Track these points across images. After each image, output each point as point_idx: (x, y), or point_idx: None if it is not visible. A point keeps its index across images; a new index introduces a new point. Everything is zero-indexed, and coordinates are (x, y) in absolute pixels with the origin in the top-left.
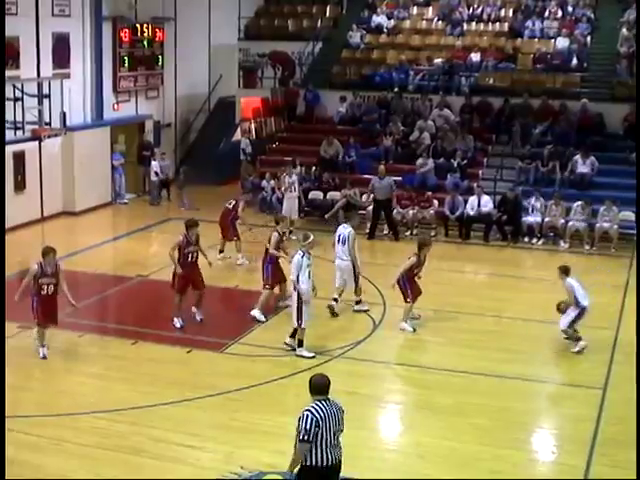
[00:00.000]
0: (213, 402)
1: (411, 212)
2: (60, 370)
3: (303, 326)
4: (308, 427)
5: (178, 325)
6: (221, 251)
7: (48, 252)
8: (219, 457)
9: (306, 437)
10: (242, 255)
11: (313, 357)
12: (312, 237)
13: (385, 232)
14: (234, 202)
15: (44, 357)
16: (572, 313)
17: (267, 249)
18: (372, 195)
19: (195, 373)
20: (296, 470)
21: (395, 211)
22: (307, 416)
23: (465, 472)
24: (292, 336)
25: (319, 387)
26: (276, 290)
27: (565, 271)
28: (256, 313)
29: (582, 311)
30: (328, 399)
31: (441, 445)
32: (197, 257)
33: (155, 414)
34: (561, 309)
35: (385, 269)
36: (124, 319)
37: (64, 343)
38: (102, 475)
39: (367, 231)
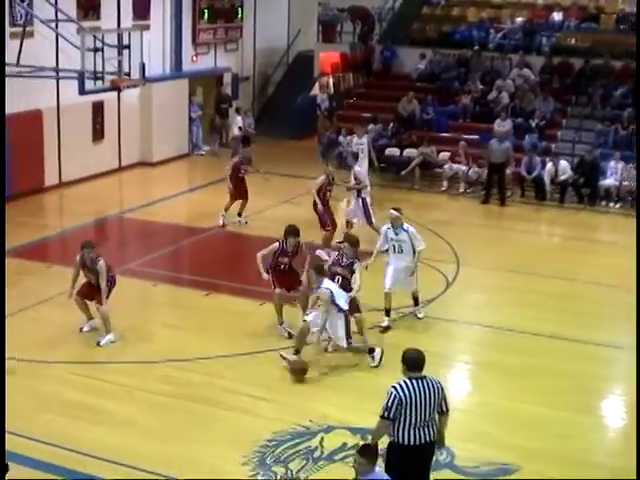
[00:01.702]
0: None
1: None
2: (133, 319)
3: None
4: (390, 404)
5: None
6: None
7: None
8: (288, 410)
9: (386, 414)
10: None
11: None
12: (395, 213)
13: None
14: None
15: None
16: None
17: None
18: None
19: (267, 326)
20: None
21: (448, 167)
22: (391, 393)
23: (531, 435)
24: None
25: (411, 363)
26: None
27: None
28: (321, 253)
29: None
30: (423, 377)
31: (508, 406)
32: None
33: (226, 365)
34: None
35: (452, 227)
36: (198, 270)
37: (138, 292)
38: (170, 423)
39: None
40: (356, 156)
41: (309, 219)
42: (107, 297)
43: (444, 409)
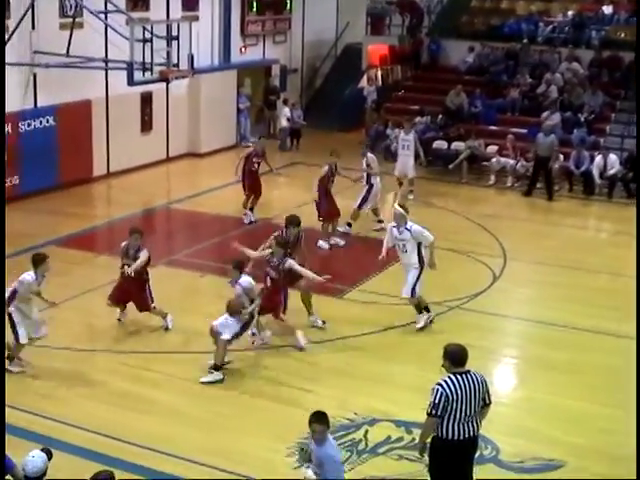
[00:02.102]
0: (330, 347)
1: None
2: (178, 309)
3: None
4: (437, 402)
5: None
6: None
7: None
8: (333, 402)
9: (434, 412)
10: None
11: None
12: (400, 211)
13: (491, 182)
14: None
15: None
16: None
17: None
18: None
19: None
20: (428, 440)
21: (495, 160)
22: (437, 390)
23: (575, 430)
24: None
25: (454, 358)
26: None
27: None
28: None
29: None
30: (467, 371)
31: (553, 401)
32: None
33: (272, 356)
34: None
35: (499, 221)
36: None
37: (184, 282)
38: (214, 413)
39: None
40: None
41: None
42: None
43: (487, 401)
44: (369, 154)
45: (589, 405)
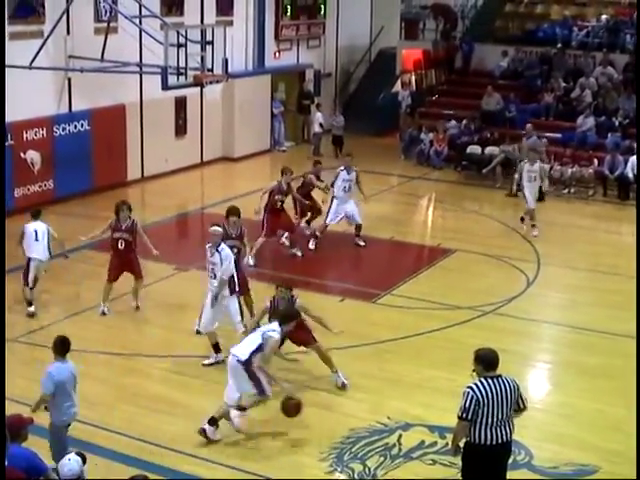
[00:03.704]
0: (363, 351)
1: (570, 170)
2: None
3: None
4: (467, 405)
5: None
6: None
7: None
8: (366, 406)
9: (464, 415)
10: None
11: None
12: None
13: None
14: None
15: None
16: None
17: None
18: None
19: (347, 322)
20: (461, 444)
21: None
22: (468, 394)
23: (611, 436)
24: None
25: (486, 362)
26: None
27: None
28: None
29: None
30: (499, 376)
31: (588, 407)
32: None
33: (305, 360)
34: None
35: (547, 228)
36: (278, 265)
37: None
38: (249, 417)
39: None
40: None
41: (390, 216)
42: None
43: (521, 406)
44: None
45: (623, 410)
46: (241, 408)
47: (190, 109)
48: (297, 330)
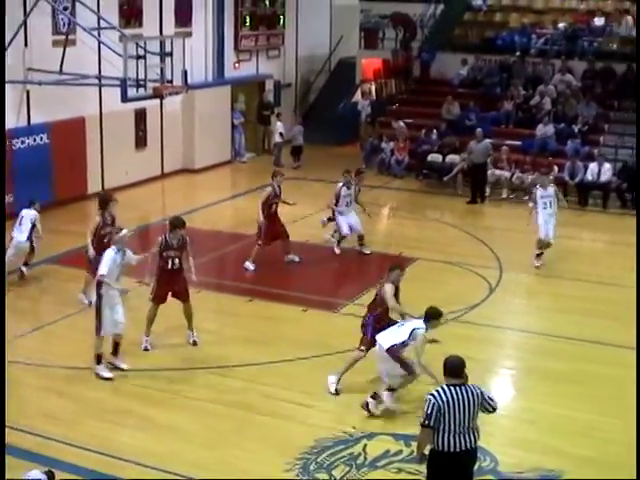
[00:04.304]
0: (327, 361)
1: (530, 177)
2: (175, 325)
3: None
4: (429, 412)
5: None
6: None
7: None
8: (331, 416)
9: (426, 422)
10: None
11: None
12: (125, 232)
13: (505, 196)
14: None
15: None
16: None
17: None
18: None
19: (309, 332)
20: (426, 451)
21: (490, 173)
22: (429, 400)
23: (575, 440)
24: None
25: (450, 369)
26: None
27: None
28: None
29: None
30: (463, 384)
31: (553, 412)
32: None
33: (269, 371)
34: None
35: (495, 232)
36: (241, 277)
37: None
38: (213, 429)
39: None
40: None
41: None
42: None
43: (490, 409)
44: None
45: (588, 415)
46: (391, 389)
47: (150, 121)
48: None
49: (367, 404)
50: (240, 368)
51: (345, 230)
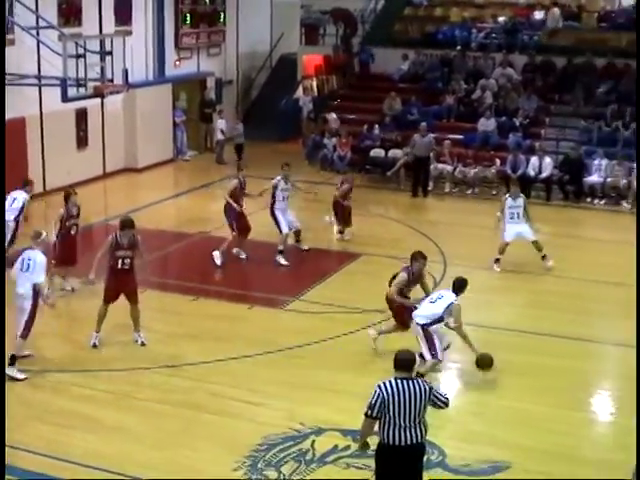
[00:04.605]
0: (274, 358)
1: (472, 171)
2: (121, 325)
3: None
4: (373, 402)
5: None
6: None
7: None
8: (279, 413)
9: (369, 412)
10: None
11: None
12: (44, 234)
13: (447, 190)
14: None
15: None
16: None
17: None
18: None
19: (255, 329)
20: (370, 441)
21: (433, 167)
22: (375, 391)
23: (523, 432)
24: None
25: (399, 362)
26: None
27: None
28: (216, 254)
29: None
30: (411, 378)
31: (501, 405)
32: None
33: (215, 370)
34: None
35: (439, 226)
36: (185, 275)
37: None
38: (161, 429)
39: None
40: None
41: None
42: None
43: (441, 405)
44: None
45: (537, 407)
46: (419, 375)
47: (91, 120)
48: None
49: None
50: (187, 367)
51: (285, 229)
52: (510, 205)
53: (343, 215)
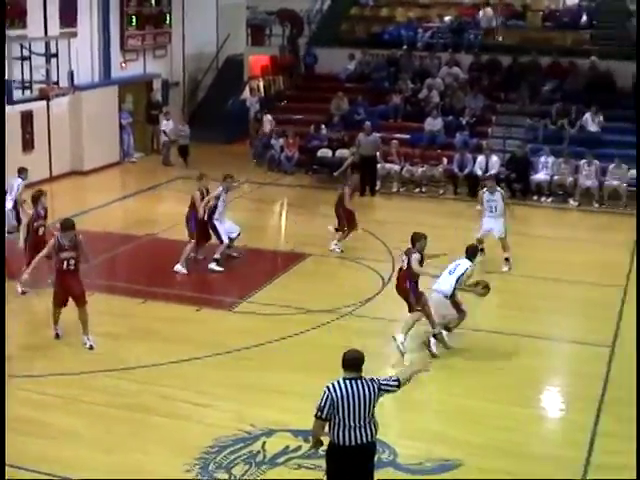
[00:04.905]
0: (223, 360)
1: (420, 170)
2: (70, 330)
3: None
4: (322, 404)
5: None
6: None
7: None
8: (229, 415)
9: (318, 414)
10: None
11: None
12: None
13: (395, 189)
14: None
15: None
16: None
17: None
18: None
19: (204, 331)
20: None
21: (380, 166)
22: (324, 393)
23: (473, 430)
24: None
25: (347, 362)
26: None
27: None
28: (179, 267)
29: None
30: (360, 378)
31: (451, 402)
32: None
33: (165, 372)
34: None
35: (387, 226)
36: (133, 278)
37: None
38: (111, 433)
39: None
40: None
41: (243, 223)
42: None
43: (392, 390)
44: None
45: (486, 404)
46: (447, 328)
47: (37, 123)
48: None
49: (429, 342)
50: (136, 370)
51: (226, 239)
52: (488, 199)
53: (349, 219)
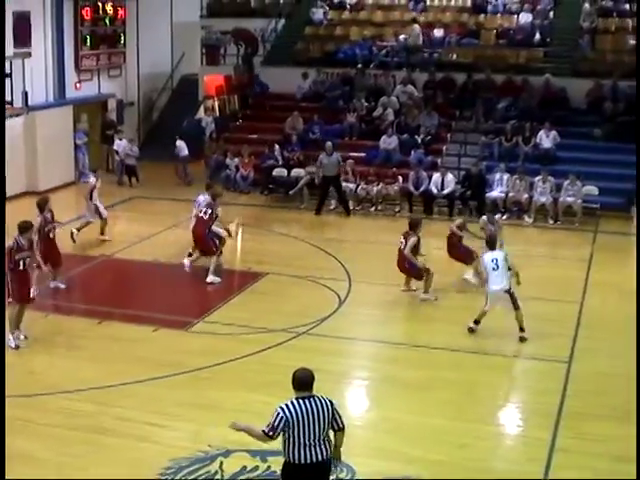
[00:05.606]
0: (179, 380)
1: (375, 188)
2: (25, 351)
3: None
4: (275, 424)
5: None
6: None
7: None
8: (186, 435)
9: (270, 433)
10: None
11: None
12: None
13: (333, 207)
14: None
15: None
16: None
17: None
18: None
19: (161, 351)
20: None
21: (344, 185)
22: (278, 413)
23: (431, 446)
24: None
25: (298, 382)
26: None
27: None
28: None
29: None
30: (313, 396)
31: (409, 420)
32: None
33: (121, 393)
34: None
35: (343, 244)
36: (89, 299)
37: (29, 323)
38: (67, 454)
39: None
40: None
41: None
42: None
43: (339, 426)
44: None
45: (444, 421)
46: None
47: None
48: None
49: (471, 329)
50: (91, 391)
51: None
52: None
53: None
